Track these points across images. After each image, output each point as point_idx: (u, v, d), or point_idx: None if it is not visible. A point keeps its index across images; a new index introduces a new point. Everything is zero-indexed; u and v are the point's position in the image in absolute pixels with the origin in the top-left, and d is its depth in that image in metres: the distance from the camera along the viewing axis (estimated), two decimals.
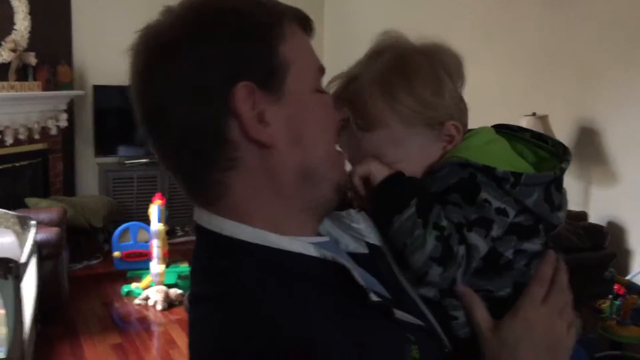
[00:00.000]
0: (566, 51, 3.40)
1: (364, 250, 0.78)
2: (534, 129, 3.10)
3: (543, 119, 3.22)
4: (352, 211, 0.79)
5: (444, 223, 0.72)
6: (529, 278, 0.76)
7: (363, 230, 0.79)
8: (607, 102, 3.21)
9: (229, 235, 0.68)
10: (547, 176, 0.76)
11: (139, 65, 0.69)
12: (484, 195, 0.73)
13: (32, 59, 4.73)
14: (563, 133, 3.33)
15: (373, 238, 0.79)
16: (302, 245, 0.68)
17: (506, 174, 0.74)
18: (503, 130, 0.84)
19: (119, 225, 4.59)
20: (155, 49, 0.67)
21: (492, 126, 0.84)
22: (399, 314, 0.68)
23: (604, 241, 2.63)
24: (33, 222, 3.33)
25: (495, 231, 0.73)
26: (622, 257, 3.09)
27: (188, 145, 0.68)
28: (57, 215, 3.91)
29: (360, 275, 0.67)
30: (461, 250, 0.72)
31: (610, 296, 2.79)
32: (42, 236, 3.47)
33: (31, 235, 3.22)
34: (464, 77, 0.81)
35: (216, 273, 0.68)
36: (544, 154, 0.82)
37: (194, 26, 0.67)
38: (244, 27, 0.67)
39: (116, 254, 4.51)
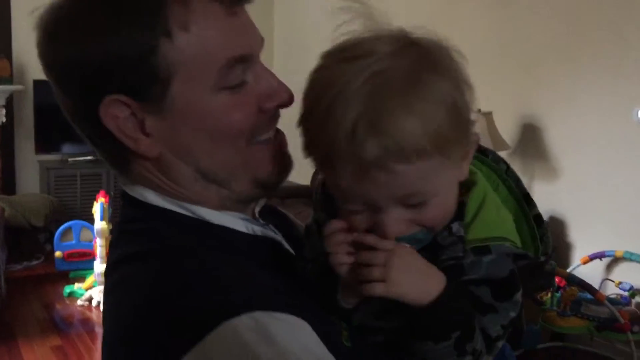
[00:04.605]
0: (509, 48, 3.47)
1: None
2: (479, 126, 3.11)
3: (487, 115, 3.27)
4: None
5: (479, 345, 0.65)
6: None
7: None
8: (549, 99, 3.29)
9: (154, 204, 0.64)
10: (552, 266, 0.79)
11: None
12: (520, 293, 0.68)
13: None
14: (507, 130, 3.39)
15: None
16: (230, 219, 0.64)
17: (538, 261, 0.73)
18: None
19: (62, 225, 4.44)
20: (45, 30, 0.64)
21: None
22: None
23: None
24: None
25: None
26: (563, 250, 3.17)
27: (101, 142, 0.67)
28: None
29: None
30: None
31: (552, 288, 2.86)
32: None
33: None
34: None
35: (142, 233, 0.64)
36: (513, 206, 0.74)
37: (72, 11, 0.62)
38: (119, 19, 0.58)
39: (57, 254, 4.35)
